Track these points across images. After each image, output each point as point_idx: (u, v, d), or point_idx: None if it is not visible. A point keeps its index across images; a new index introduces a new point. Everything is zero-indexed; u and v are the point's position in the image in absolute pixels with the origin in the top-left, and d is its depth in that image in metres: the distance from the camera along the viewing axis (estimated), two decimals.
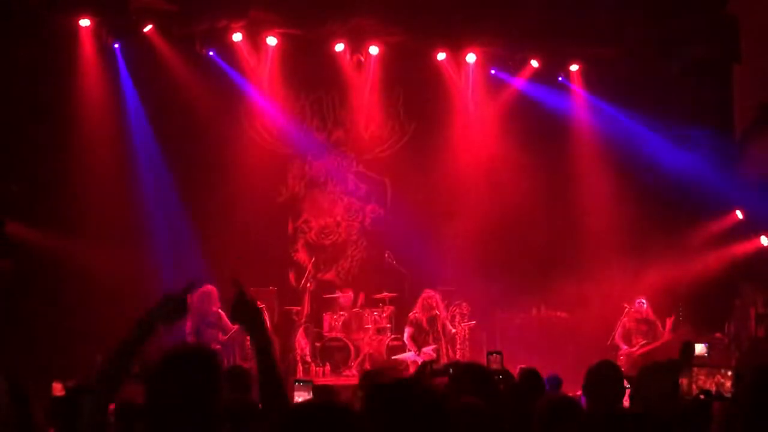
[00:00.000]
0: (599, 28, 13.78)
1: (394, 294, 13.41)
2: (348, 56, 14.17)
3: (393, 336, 13.08)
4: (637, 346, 12.42)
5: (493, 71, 14.76)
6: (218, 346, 11.58)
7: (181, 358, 3.12)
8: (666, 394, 4.67)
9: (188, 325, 11.50)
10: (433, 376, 6.04)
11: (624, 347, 12.50)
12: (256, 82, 14.07)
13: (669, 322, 12.51)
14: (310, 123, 14.68)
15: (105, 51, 12.93)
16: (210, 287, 11.58)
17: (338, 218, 14.69)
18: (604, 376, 5.14)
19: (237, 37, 13.48)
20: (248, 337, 12.07)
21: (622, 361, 12.32)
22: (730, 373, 4.32)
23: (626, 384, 7.23)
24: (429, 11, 13.23)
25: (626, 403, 6.62)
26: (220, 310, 11.64)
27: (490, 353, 7.60)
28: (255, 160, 14.05)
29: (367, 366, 12.82)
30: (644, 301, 12.62)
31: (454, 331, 12.87)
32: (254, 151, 14.17)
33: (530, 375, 5.89)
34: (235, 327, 12.03)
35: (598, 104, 14.83)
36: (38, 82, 12.25)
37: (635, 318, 12.59)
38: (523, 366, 6.23)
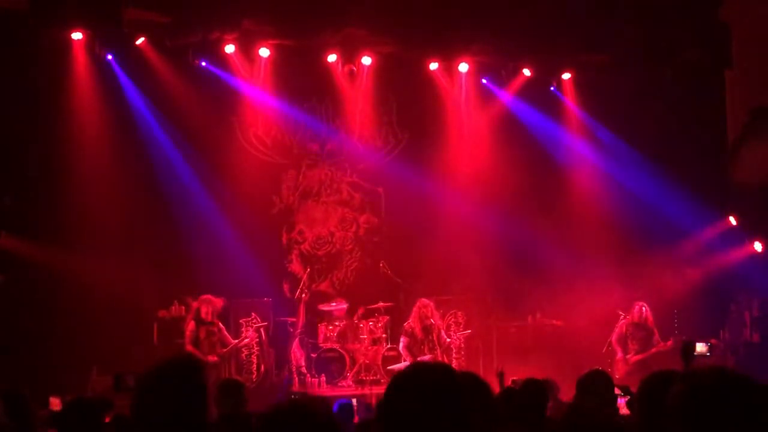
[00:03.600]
0: (591, 36, 13.82)
1: (390, 304, 13.40)
2: (341, 67, 14.20)
3: (389, 346, 13.06)
4: (632, 352, 12.38)
5: (484, 81, 14.81)
6: (216, 358, 11.59)
7: (168, 370, 3.06)
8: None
9: (186, 334, 11.54)
10: None
11: (620, 352, 12.45)
12: (249, 94, 14.08)
13: (670, 342, 12.33)
14: (303, 133, 14.68)
15: (98, 64, 12.92)
16: (208, 297, 11.62)
17: (332, 228, 14.69)
18: (594, 385, 5.14)
19: (230, 48, 13.49)
20: (244, 349, 12.11)
21: (618, 366, 12.29)
22: None
23: (618, 392, 7.23)
24: (421, 21, 13.25)
25: (625, 410, 6.61)
26: (220, 323, 11.68)
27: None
28: (249, 171, 14.06)
29: (363, 376, 12.80)
30: (645, 306, 12.51)
31: (449, 340, 12.86)
32: (248, 161, 14.17)
33: (533, 386, 5.85)
34: (244, 337, 12.10)
35: (591, 113, 14.88)
36: (31, 95, 12.24)
37: (633, 322, 12.51)
38: (515, 378, 6.19)
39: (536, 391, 5.56)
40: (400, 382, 2.59)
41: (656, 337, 12.45)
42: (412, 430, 2.49)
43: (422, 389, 2.51)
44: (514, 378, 6.99)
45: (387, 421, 2.55)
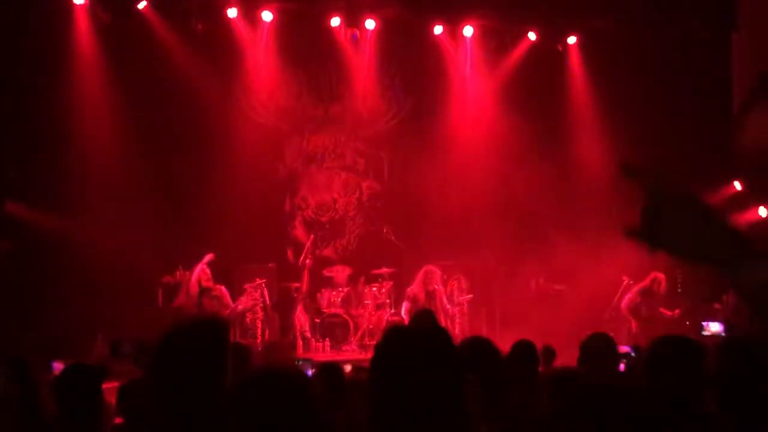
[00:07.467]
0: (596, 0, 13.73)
1: (393, 269, 13.42)
2: (344, 31, 14.09)
3: (392, 311, 13.10)
4: (642, 319, 12.31)
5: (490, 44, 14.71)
6: None
7: (192, 330, 2.88)
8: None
9: (192, 299, 11.59)
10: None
11: (632, 321, 12.35)
12: (252, 58, 14.01)
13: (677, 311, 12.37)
14: (307, 98, 14.62)
15: (100, 28, 12.85)
16: (199, 265, 11.65)
17: (335, 195, 14.68)
18: (597, 349, 5.12)
19: (232, 12, 13.41)
20: (249, 314, 12.14)
21: (628, 332, 12.26)
22: None
23: (632, 352, 7.24)
24: None
25: None
26: (222, 287, 11.71)
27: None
28: (252, 137, 14.02)
29: (367, 341, 12.85)
30: (663, 279, 12.40)
31: (449, 307, 12.86)
32: (251, 127, 14.13)
33: (524, 347, 5.86)
34: (238, 304, 12.10)
35: (596, 77, 14.78)
36: (33, 61, 12.19)
37: (649, 291, 12.40)
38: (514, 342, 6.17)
39: (525, 352, 5.55)
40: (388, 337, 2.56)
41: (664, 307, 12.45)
42: (403, 381, 2.45)
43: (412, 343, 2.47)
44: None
45: (377, 377, 2.51)
